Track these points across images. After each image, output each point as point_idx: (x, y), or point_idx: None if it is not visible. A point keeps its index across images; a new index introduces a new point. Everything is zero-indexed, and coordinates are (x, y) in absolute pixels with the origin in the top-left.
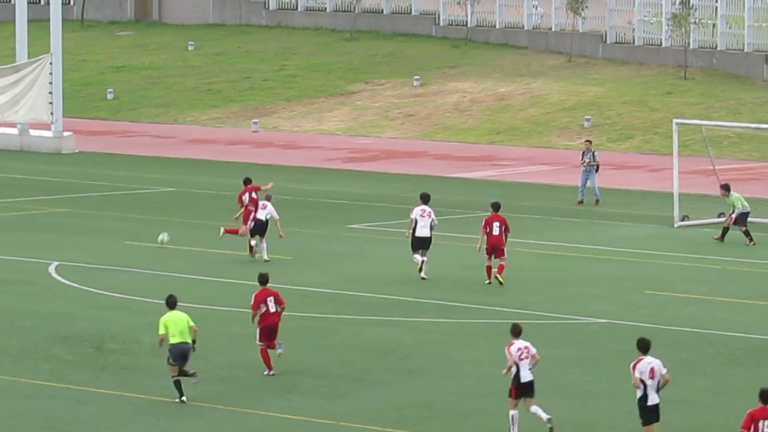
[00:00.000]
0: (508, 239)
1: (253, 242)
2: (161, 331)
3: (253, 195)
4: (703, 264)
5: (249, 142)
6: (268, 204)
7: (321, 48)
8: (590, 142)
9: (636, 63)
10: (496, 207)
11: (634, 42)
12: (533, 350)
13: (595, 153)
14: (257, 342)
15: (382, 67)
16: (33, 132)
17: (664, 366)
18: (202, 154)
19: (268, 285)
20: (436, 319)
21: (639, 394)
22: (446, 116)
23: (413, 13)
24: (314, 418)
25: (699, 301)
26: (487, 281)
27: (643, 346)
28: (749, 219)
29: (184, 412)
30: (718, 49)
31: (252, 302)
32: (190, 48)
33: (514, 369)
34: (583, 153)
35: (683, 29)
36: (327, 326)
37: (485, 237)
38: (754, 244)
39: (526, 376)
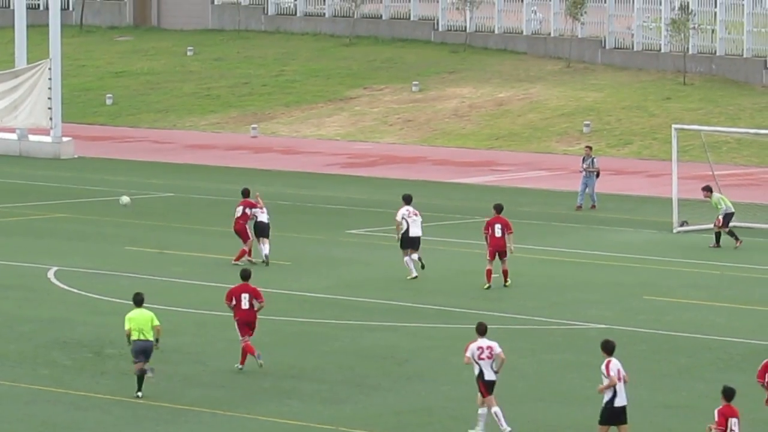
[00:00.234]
0: (511, 241)
1: (260, 246)
2: (126, 326)
3: (247, 211)
4: (702, 269)
5: (248, 148)
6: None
7: (320, 53)
8: (590, 147)
9: (635, 68)
10: (498, 209)
11: (633, 47)
12: (498, 350)
13: (595, 159)
14: (239, 337)
15: (381, 73)
16: (32, 137)
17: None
18: (201, 160)
19: (250, 281)
20: (435, 325)
21: (609, 395)
22: (445, 122)
23: (412, 18)
24: (313, 423)
25: (698, 307)
26: (487, 285)
27: (609, 348)
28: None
29: (183, 417)
30: (717, 54)
31: (225, 294)
32: (189, 53)
33: (476, 367)
34: (583, 159)
35: (682, 35)
36: (326, 331)
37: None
38: (741, 243)
39: (489, 375)
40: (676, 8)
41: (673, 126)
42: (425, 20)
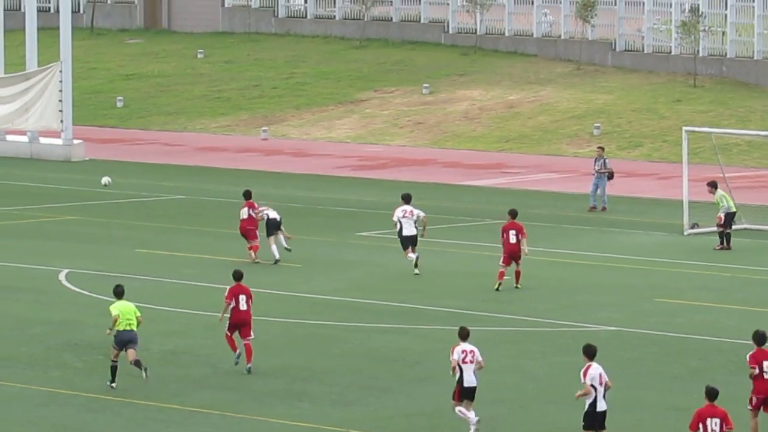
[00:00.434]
0: (526, 243)
1: (272, 246)
2: (114, 312)
3: (251, 212)
4: (712, 272)
5: (258, 150)
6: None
7: (330, 56)
8: (602, 149)
9: (645, 71)
10: (513, 214)
11: (643, 50)
12: (478, 356)
13: (607, 160)
14: (225, 331)
15: (391, 75)
16: (43, 140)
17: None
18: (212, 162)
19: (242, 282)
20: (446, 327)
21: (590, 400)
22: (455, 124)
23: (422, 21)
24: (323, 425)
25: (709, 309)
26: (497, 284)
27: (591, 353)
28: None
29: (193, 419)
30: (728, 56)
31: (225, 294)
32: (199, 56)
33: (458, 372)
34: (595, 159)
35: (692, 37)
36: (336, 333)
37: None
38: (724, 249)
39: (470, 380)
40: (687, 11)
41: (684, 128)
42: (435, 23)
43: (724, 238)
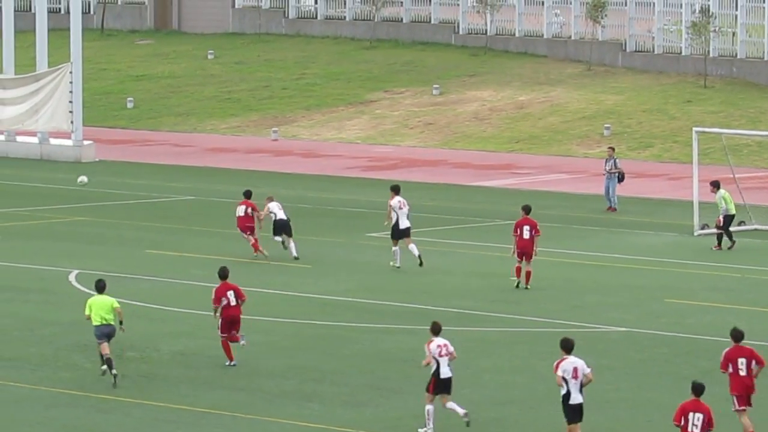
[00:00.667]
0: (537, 244)
1: (278, 239)
2: (86, 311)
3: (249, 211)
4: (723, 272)
5: (268, 151)
6: (279, 203)
7: (340, 57)
8: (613, 149)
9: (655, 71)
10: (527, 210)
11: (653, 50)
12: (451, 348)
13: (617, 160)
14: (219, 334)
15: (402, 76)
16: (53, 141)
17: (588, 366)
18: (222, 163)
19: (228, 279)
20: (455, 328)
21: (562, 392)
22: (465, 125)
23: (432, 21)
24: (333, 426)
25: (719, 310)
26: (515, 280)
27: (567, 346)
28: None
29: (204, 420)
30: (738, 57)
31: (213, 296)
32: (209, 57)
33: (434, 365)
34: (606, 160)
35: (703, 38)
36: (346, 334)
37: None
38: (719, 249)
39: (445, 372)
40: (697, 11)
41: (694, 129)
42: (446, 23)
43: (718, 239)
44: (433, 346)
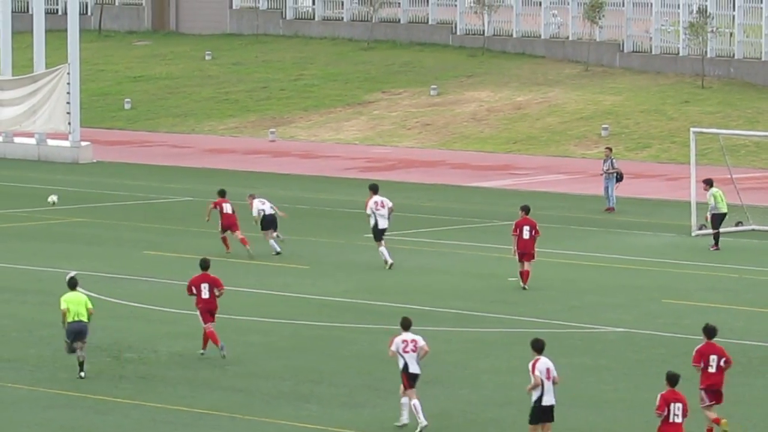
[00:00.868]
0: (536, 244)
1: (272, 236)
2: (62, 306)
3: (225, 208)
4: (720, 273)
5: (266, 152)
6: (262, 199)
7: (338, 57)
8: (610, 149)
9: (653, 72)
10: (526, 210)
11: (651, 51)
12: (422, 343)
13: (614, 160)
14: (203, 324)
15: (399, 77)
16: (51, 142)
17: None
18: (220, 164)
19: (209, 271)
20: (454, 329)
21: (537, 394)
22: (463, 125)
23: (430, 22)
24: (332, 427)
25: (717, 310)
26: (522, 286)
27: (539, 347)
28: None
29: (202, 421)
30: (736, 57)
31: (186, 286)
32: (207, 58)
33: (401, 360)
34: (604, 161)
35: (700, 38)
36: (344, 335)
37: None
38: (717, 250)
39: (414, 368)
40: (695, 12)
41: (692, 129)
42: (443, 24)
43: (716, 239)
44: (398, 339)
